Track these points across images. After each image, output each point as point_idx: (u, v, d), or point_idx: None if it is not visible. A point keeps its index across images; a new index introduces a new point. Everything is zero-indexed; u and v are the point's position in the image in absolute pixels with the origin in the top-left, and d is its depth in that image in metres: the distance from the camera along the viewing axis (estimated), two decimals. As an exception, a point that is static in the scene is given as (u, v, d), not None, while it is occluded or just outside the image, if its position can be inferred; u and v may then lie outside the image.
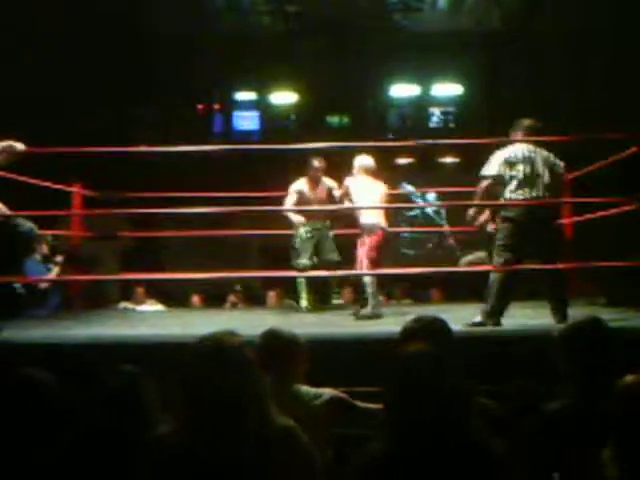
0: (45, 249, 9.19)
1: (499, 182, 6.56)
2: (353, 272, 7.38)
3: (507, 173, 6.54)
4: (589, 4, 10.55)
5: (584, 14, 10.78)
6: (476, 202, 6.87)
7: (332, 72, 13.76)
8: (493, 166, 6.58)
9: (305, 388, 3.88)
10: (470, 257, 9.82)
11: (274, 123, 15.03)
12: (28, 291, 8.78)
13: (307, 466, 2.67)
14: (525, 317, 6.80)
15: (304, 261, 8.10)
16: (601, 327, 3.36)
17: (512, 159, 6.55)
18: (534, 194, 6.47)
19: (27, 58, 10.41)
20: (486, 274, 8.76)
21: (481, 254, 9.72)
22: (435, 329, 3.45)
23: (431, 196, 14.51)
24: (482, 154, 12.11)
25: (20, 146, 6.59)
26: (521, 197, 6.47)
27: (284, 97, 14.94)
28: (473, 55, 13.99)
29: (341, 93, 14.47)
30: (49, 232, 8.78)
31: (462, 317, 6.13)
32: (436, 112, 15.11)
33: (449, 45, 13.60)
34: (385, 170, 13.89)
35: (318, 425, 3.48)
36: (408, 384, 2.63)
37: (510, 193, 6.51)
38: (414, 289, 11.38)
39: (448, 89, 14.94)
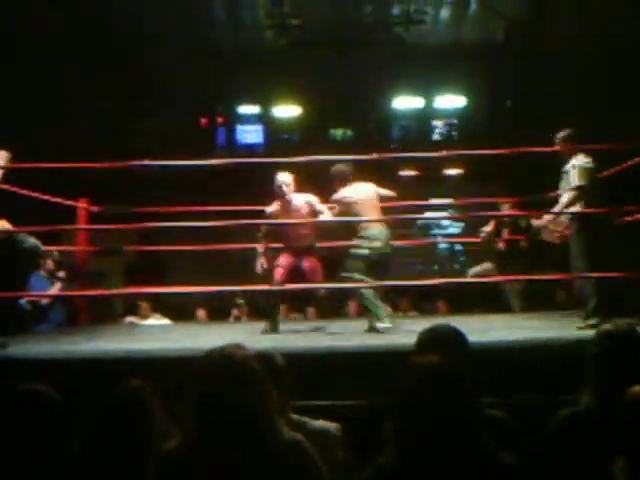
0: (51, 265, 9.19)
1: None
2: (352, 285, 7.30)
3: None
4: (591, 16, 10.54)
5: (586, 26, 10.78)
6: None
7: (335, 85, 13.77)
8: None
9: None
10: (477, 269, 9.82)
11: (278, 136, 15.04)
12: (32, 307, 8.80)
13: (316, 479, 2.66)
14: (538, 328, 6.77)
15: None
16: (631, 334, 3.33)
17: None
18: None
19: (30, 72, 10.41)
20: (493, 285, 8.77)
21: (488, 266, 9.71)
22: (450, 340, 3.42)
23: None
24: (486, 165, 12.22)
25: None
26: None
27: (287, 110, 14.97)
28: (476, 67, 14.00)
29: (344, 106, 14.49)
30: (54, 248, 8.80)
31: (470, 329, 6.11)
32: (439, 124, 15.12)
33: (452, 57, 13.62)
34: (389, 182, 14.01)
35: None
36: (417, 396, 2.62)
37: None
38: (420, 301, 11.36)
39: (451, 101, 14.97)
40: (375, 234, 7.36)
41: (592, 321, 6.26)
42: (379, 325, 7.03)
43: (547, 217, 7.35)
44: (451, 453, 2.54)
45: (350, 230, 7.49)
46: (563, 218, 7.06)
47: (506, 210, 9.53)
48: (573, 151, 7.01)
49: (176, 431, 2.81)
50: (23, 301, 8.83)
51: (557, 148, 7.19)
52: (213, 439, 2.58)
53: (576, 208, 6.84)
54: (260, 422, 2.60)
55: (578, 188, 6.76)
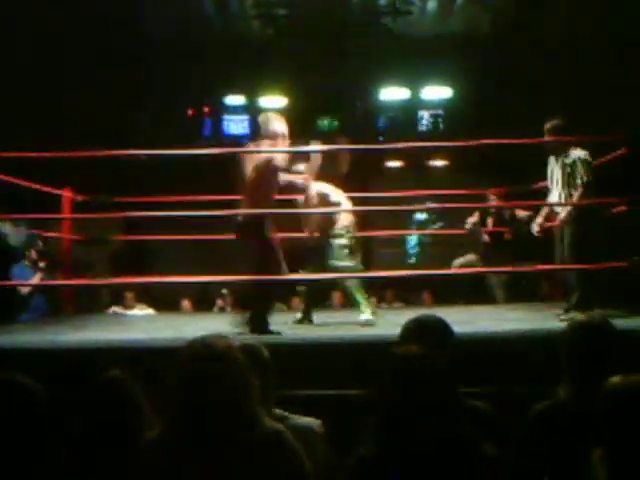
0: (34, 255, 9.17)
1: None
2: (343, 275, 7.29)
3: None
4: (578, 7, 10.56)
5: (573, 17, 10.80)
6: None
7: (321, 76, 13.73)
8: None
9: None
10: (461, 260, 9.83)
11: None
12: (14, 296, 8.78)
13: (297, 469, 2.66)
14: (522, 319, 6.79)
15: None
16: (604, 326, 3.34)
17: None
18: None
19: (24, 62, 10.39)
20: (477, 277, 8.78)
21: (472, 257, 9.73)
22: (435, 330, 3.42)
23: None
24: (471, 157, 12.23)
25: None
26: None
27: (274, 101, 14.91)
28: (462, 58, 13.97)
29: (330, 97, 14.46)
30: (36, 233, 8.78)
31: (455, 320, 6.12)
32: (425, 115, 15.11)
33: (438, 48, 13.60)
34: (375, 173, 14.01)
35: None
36: (398, 387, 2.62)
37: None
38: (405, 292, 11.39)
39: (437, 92, 14.94)
40: (351, 223, 7.41)
41: (574, 313, 6.29)
42: (363, 317, 7.04)
43: (545, 210, 7.38)
44: (433, 444, 2.54)
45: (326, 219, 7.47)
46: (560, 210, 7.09)
47: (492, 201, 9.55)
48: (562, 143, 7.03)
49: (158, 420, 2.81)
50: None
51: (545, 139, 7.20)
52: (194, 428, 2.58)
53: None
54: (241, 411, 2.60)
55: (588, 183, 6.86)
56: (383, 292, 11.37)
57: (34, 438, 2.96)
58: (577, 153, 6.96)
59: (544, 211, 7.40)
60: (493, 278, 9.47)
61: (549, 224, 7.38)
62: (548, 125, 7.17)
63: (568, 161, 6.99)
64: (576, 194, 6.92)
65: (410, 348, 2.82)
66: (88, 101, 12.04)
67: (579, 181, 6.88)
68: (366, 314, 7.06)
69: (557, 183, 7.10)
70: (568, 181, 6.99)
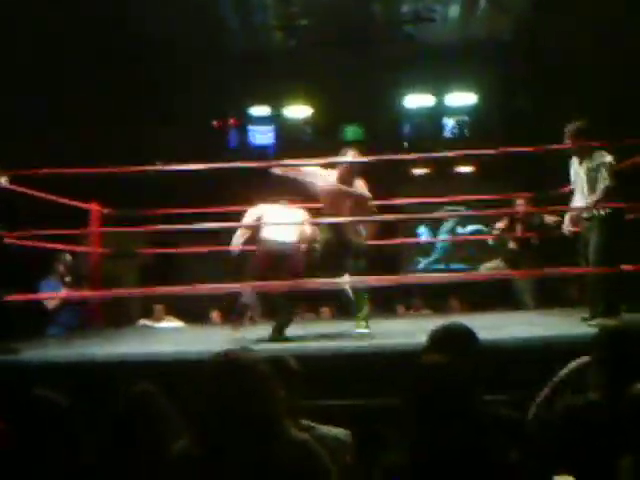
0: (62, 269, 9.22)
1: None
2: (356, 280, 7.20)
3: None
4: (600, 12, 10.50)
5: (595, 22, 10.74)
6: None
7: (345, 85, 13.74)
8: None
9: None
10: (488, 265, 9.80)
11: (289, 137, 15.03)
12: (41, 310, 8.84)
13: (324, 479, 2.66)
14: (551, 325, 6.76)
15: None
16: (633, 332, 3.32)
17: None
18: None
19: (44, 77, 10.44)
20: (504, 282, 8.74)
21: (499, 262, 9.70)
22: (462, 338, 3.41)
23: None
24: (498, 162, 12.19)
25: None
26: None
27: (298, 111, 14.95)
28: (486, 64, 13.94)
29: (355, 105, 14.45)
30: (63, 247, 8.83)
31: (482, 326, 6.10)
32: (450, 121, 15.08)
33: (462, 55, 13.57)
34: (401, 181, 13.99)
35: None
36: (421, 395, 2.62)
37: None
38: (433, 299, 11.36)
39: (462, 98, 14.90)
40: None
41: (601, 319, 6.27)
42: (358, 330, 6.94)
43: (570, 214, 7.34)
44: (458, 452, 2.54)
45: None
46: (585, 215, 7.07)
47: (520, 206, 9.52)
48: (584, 147, 7.00)
49: (185, 432, 2.82)
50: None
51: (568, 144, 7.16)
52: (220, 440, 2.59)
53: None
54: (267, 423, 2.61)
55: (609, 188, 6.84)
56: (411, 299, 11.35)
57: (60, 452, 2.98)
58: (601, 157, 6.92)
59: (570, 215, 7.37)
60: (521, 283, 9.42)
61: (575, 229, 7.36)
62: (570, 128, 7.13)
63: (592, 165, 6.95)
64: (596, 199, 6.90)
65: (435, 357, 2.83)
66: (117, 114, 12.10)
67: (601, 185, 6.84)
68: (363, 328, 6.95)
69: (582, 187, 7.07)
70: (591, 186, 6.96)
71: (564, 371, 3.51)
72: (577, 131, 7.09)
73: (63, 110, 10.70)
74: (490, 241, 9.93)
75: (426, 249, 14.96)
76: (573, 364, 3.53)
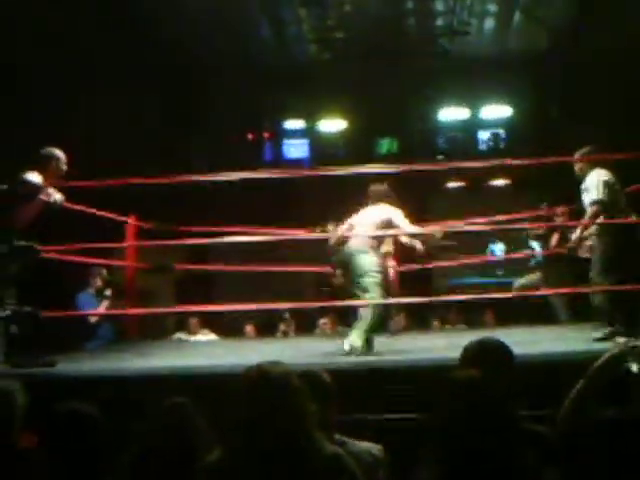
0: (99, 283, 9.29)
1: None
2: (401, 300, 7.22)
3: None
4: (636, 25, 10.45)
5: (632, 31, 10.68)
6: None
7: (380, 98, 13.76)
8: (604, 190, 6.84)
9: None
10: (523, 280, 9.77)
11: (323, 151, 15.05)
12: (81, 325, 8.90)
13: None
14: (586, 340, 6.70)
15: None
16: None
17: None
18: None
19: (80, 91, 10.53)
20: (539, 297, 8.69)
21: (534, 277, 9.66)
22: (496, 353, 3.39)
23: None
24: (533, 175, 12.14)
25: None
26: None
27: (333, 124, 14.98)
28: (521, 76, 13.92)
29: (389, 118, 14.47)
30: (100, 261, 8.89)
31: (517, 341, 6.07)
32: (485, 135, 15.04)
33: (497, 67, 13.56)
34: (435, 194, 13.98)
35: None
36: (455, 411, 2.62)
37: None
38: (467, 313, 11.31)
39: (497, 111, 14.87)
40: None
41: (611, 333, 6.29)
42: (355, 345, 6.57)
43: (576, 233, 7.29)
44: (492, 469, 2.53)
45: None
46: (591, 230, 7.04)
47: (560, 220, 9.46)
48: (592, 162, 6.99)
49: (217, 445, 2.84)
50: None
51: (576, 167, 7.15)
52: (253, 453, 2.60)
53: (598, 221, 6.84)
54: (299, 437, 2.61)
55: (598, 202, 6.77)
56: (446, 313, 11.31)
57: (94, 465, 3.01)
58: (594, 175, 6.89)
59: (577, 232, 7.33)
60: (556, 298, 9.37)
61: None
62: (580, 152, 7.15)
63: (584, 186, 6.94)
64: (586, 216, 6.89)
65: (468, 372, 2.82)
66: (144, 129, 12.17)
67: (589, 201, 6.82)
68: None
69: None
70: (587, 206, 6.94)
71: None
72: (583, 154, 7.09)
73: (96, 123, 10.77)
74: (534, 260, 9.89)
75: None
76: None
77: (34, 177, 6.49)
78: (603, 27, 11.14)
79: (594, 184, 6.81)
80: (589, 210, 6.83)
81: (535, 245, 10.03)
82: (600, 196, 6.74)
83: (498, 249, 14.36)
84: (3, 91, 9.27)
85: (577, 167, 7.14)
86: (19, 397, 3.50)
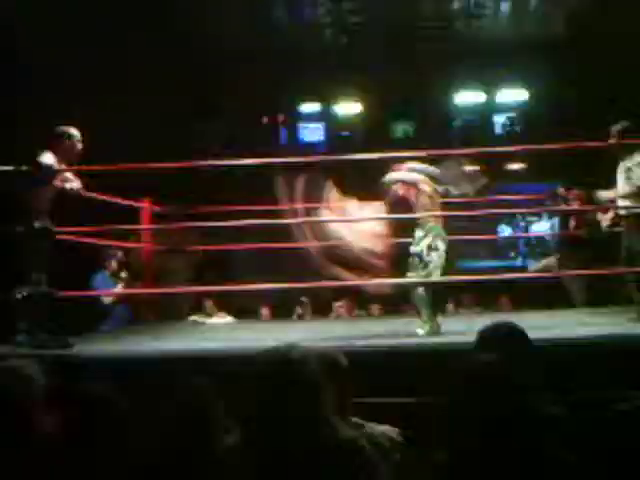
0: (115, 265, 9.32)
1: None
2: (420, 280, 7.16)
3: None
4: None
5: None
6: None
7: (396, 81, 13.71)
8: None
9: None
10: (539, 264, 9.75)
11: (339, 134, 15.03)
12: (94, 306, 8.94)
13: (374, 477, 2.66)
14: (602, 324, 6.70)
15: None
16: None
17: None
18: None
19: (100, 76, 10.55)
20: (555, 280, 8.67)
21: (550, 260, 9.64)
22: (511, 337, 3.40)
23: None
24: (549, 160, 12.10)
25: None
26: None
27: (349, 108, 14.95)
28: (538, 60, 13.83)
29: (405, 102, 14.43)
30: (115, 244, 8.92)
31: (532, 325, 6.07)
32: (501, 119, 14.99)
33: (513, 51, 13.49)
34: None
35: None
36: (470, 394, 2.62)
37: None
38: (483, 296, 11.30)
39: (513, 95, 14.81)
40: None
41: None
42: (427, 329, 6.80)
43: (610, 213, 7.30)
44: (508, 452, 2.53)
45: None
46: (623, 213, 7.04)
47: (574, 204, 9.44)
48: (623, 145, 6.97)
49: (236, 428, 2.85)
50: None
51: (612, 142, 7.14)
52: (270, 436, 2.60)
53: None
54: (316, 420, 2.62)
55: None
56: (461, 296, 11.30)
57: (113, 446, 3.02)
58: (638, 157, 6.87)
59: (609, 214, 7.33)
60: (572, 282, 9.35)
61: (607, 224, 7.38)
62: (614, 128, 7.13)
63: (628, 165, 6.91)
64: (628, 200, 6.88)
65: (484, 356, 2.82)
66: (163, 112, 12.16)
67: (631, 186, 6.80)
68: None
69: (619, 187, 7.06)
70: (626, 185, 6.92)
71: None
72: (621, 131, 7.07)
73: (109, 109, 10.79)
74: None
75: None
76: None
77: (48, 158, 6.50)
78: (620, 10, 11.07)
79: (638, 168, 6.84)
80: (629, 191, 6.87)
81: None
82: None
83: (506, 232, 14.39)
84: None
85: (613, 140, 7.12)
86: (38, 378, 3.51)
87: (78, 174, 6.98)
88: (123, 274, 9.35)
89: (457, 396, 2.67)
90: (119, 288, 9.23)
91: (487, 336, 3.43)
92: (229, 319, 10.33)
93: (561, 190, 9.77)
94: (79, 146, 6.76)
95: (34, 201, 6.46)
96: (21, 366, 3.50)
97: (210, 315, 10.27)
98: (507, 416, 2.57)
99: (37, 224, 6.34)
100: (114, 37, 10.63)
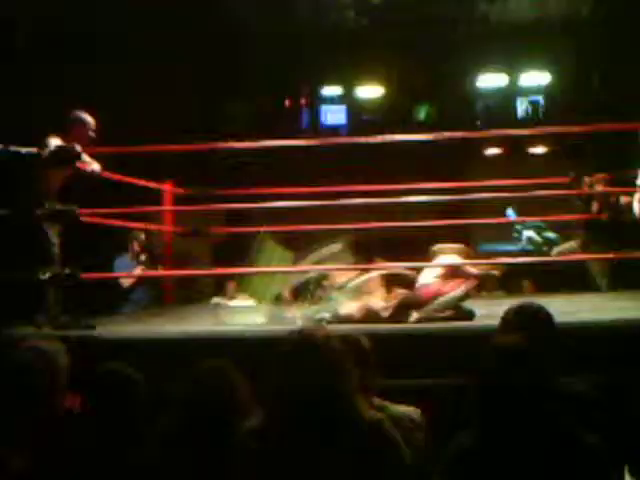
0: (137, 247, 9.34)
1: None
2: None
3: None
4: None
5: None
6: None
7: (417, 64, 13.67)
8: None
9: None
10: (561, 248, 9.69)
11: (361, 117, 15.00)
12: (114, 288, 8.97)
13: (396, 458, 2.66)
14: (625, 308, 6.66)
15: None
16: None
17: None
18: None
19: (120, 57, 10.55)
20: (578, 263, 8.62)
21: (573, 244, 9.58)
22: (536, 318, 3.38)
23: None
24: (572, 143, 12.02)
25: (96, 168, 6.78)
26: None
27: (370, 91, 14.89)
28: (562, 43, 13.73)
29: (427, 85, 14.38)
30: (137, 225, 8.93)
31: (555, 308, 6.05)
32: (524, 102, 14.90)
33: (536, 33, 13.40)
34: (473, 161, 13.89)
35: None
36: (495, 375, 2.61)
37: None
38: (505, 279, 11.25)
39: (536, 78, 14.70)
40: None
41: None
42: None
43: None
44: (532, 432, 2.53)
45: None
46: None
47: (598, 187, 9.37)
48: None
49: (259, 409, 2.85)
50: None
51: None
52: (293, 418, 2.60)
53: None
54: (340, 401, 2.62)
55: None
56: (483, 280, 11.24)
57: (136, 427, 3.03)
58: None
59: (637, 196, 7.24)
60: (595, 266, 9.28)
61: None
62: None
63: None
64: None
65: (509, 337, 2.81)
66: (182, 95, 12.17)
67: None
68: None
69: None
70: None
71: None
72: None
73: (134, 88, 10.80)
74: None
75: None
76: None
77: (55, 141, 6.46)
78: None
79: None
80: None
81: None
82: None
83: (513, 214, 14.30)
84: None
85: None
86: (62, 359, 3.52)
87: (94, 157, 6.98)
88: (142, 257, 9.35)
89: (481, 377, 2.66)
90: (137, 270, 9.25)
91: (511, 316, 3.42)
92: (251, 302, 10.33)
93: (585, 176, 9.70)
94: (91, 133, 6.73)
95: (46, 183, 6.46)
96: (45, 346, 3.52)
97: (232, 297, 10.27)
98: (530, 396, 2.56)
99: (52, 206, 6.35)
100: (127, 20, 10.63)
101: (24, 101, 9.11)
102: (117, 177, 7.60)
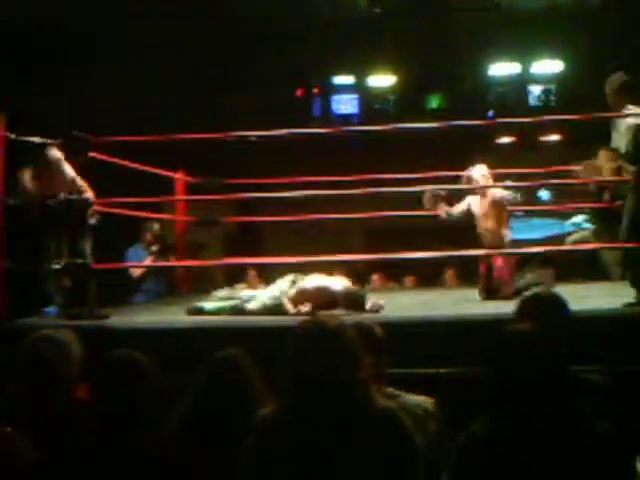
0: (150, 237, 9.34)
1: None
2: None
3: None
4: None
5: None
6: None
7: (430, 53, 13.64)
8: None
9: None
10: (575, 236, 9.66)
11: (373, 106, 14.98)
12: (126, 278, 8.98)
13: (409, 447, 2.66)
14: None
15: None
16: None
17: None
18: None
19: (127, 49, 10.55)
20: (591, 253, 8.58)
21: (586, 233, 9.54)
22: (551, 307, 3.37)
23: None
24: (585, 131, 11.97)
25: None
26: None
27: (382, 80, 14.87)
28: (574, 30, 13.68)
29: (439, 73, 14.35)
30: (151, 215, 8.94)
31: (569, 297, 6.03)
32: (536, 90, 14.85)
33: (549, 21, 13.35)
34: (486, 150, 13.86)
35: None
36: (508, 362, 2.62)
37: None
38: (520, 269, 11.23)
39: (548, 66, 14.66)
40: None
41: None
42: None
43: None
44: (544, 420, 2.53)
45: None
46: None
47: (608, 175, 9.32)
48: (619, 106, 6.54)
49: (272, 398, 2.85)
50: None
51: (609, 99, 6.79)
52: (306, 406, 2.61)
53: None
54: (353, 389, 2.62)
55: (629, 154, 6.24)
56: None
57: (149, 413, 3.04)
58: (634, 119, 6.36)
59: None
60: (608, 255, 9.23)
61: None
62: (613, 80, 6.74)
63: (623, 128, 6.51)
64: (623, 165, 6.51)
65: (524, 325, 2.81)
66: (199, 83, 12.17)
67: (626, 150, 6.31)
68: None
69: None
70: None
71: None
72: (620, 86, 6.67)
73: (149, 79, 10.80)
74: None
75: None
76: None
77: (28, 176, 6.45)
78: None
79: (631, 132, 6.26)
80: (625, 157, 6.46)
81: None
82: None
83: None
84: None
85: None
86: (75, 348, 3.54)
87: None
88: (154, 247, 9.34)
89: (496, 365, 2.67)
90: (149, 260, 9.25)
91: (527, 305, 3.41)
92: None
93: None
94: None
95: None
96: (59, 335, 3.53)
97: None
98: (545, 384, 2.56)
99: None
100: (135, 12, 10.64)
101: (24, 101, 9.13)
102: (130, 166, 7.61)
